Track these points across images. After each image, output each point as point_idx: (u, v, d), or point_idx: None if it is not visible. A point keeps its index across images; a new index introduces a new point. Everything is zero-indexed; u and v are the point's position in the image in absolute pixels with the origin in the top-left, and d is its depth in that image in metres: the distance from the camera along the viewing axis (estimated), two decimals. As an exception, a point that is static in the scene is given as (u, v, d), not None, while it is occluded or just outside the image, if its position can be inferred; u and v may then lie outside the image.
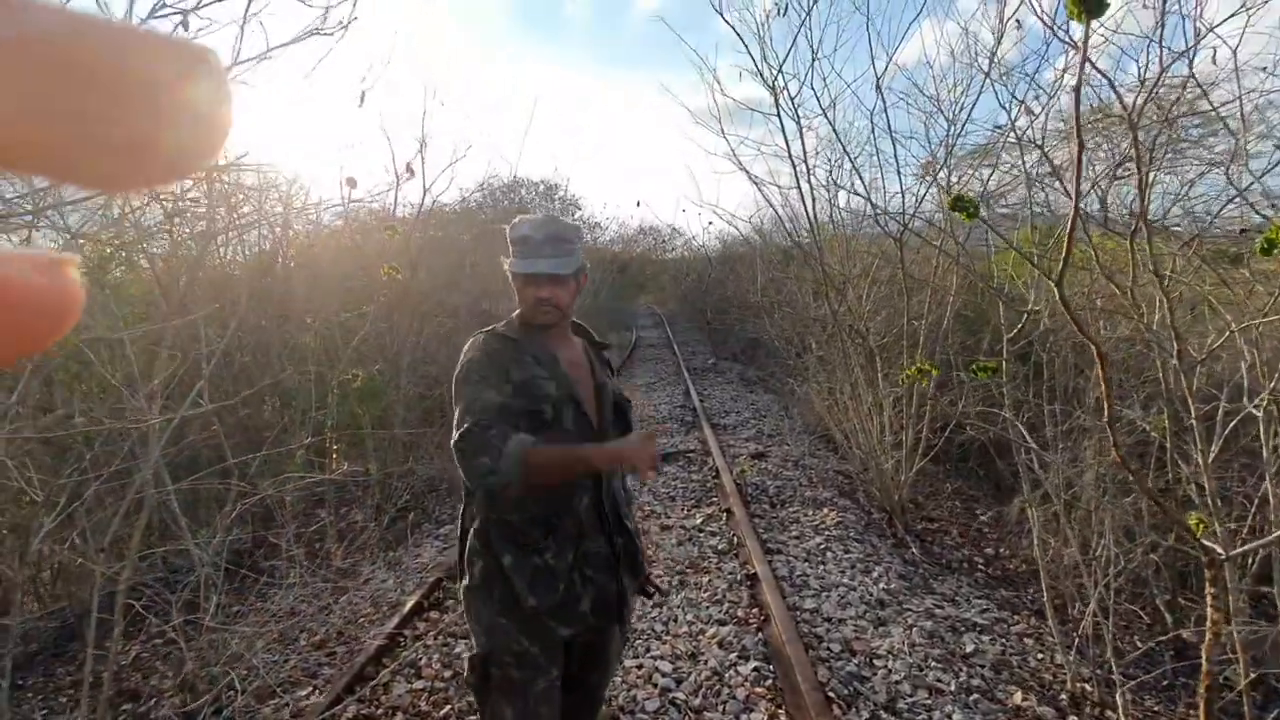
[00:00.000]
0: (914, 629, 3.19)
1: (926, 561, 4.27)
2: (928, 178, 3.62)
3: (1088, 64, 1.63)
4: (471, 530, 1.72)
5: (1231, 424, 3.01)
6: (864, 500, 5.27)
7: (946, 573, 4.18)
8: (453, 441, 1.60)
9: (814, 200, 4.25)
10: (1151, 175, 3.37)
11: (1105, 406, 1.96)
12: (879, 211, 3.60)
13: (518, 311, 1.81)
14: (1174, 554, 3.82)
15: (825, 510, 4.77)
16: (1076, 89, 1.63)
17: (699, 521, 4.61)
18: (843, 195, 4.92)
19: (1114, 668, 2.74)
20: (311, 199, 6.06)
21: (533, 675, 1.65)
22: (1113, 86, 2.03)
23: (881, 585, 3.62)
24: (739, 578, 3.68)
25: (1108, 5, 1.44)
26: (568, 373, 1.75)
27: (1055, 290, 1.82)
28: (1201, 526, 1.67)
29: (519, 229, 1.73)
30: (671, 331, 19.34)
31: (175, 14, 1.65)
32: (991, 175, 4.61)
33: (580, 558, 1.71)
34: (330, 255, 5.81)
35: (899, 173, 3.88)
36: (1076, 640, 3.00)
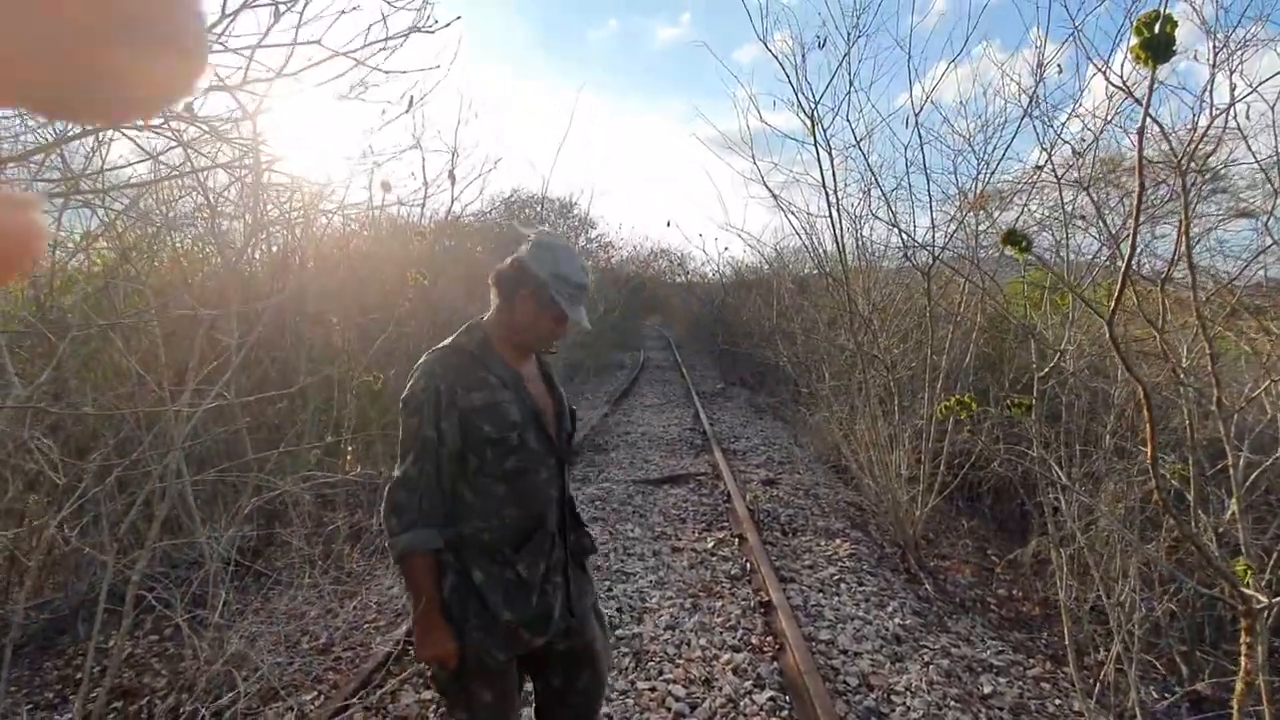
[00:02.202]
0: (931, 666, 3.13)
1: (940, 599, 4.21)
2: (969, 211, 3.63)
3: (1146, 113, 1.64)
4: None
5: (1253, 476, 2.99)
6: (876, 533, 5.22)
7: (960, 611, 4.12)
8: (390, 479, 1.63)
9: (842, 230, 4.27)
10: (1181, 223, 3.37)
11: (1150, 448, 1.94)
12: (910, 244, 3.61)
13: (488, 318, 1.77)
14: (1190, 605, 3.77)
15: (838, 541, 4.72)
16: (1140, 131, 1.64)
17: (710, 545, 4.57)
18: (868, 227, 4.94)
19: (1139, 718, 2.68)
20: (339, 201, 6.10)
21: (501, 684, 1.68)
22: (1165, 134, 2.04)
23: (896, 620, 3.57)
24: (753, 604, 3.63)
25: (1175, 51, 1.45)
26: (530, 391, 1.73)
27: (1107, 329, 1.81)
28: (1249, 573, 1.64)
29: (580, 273, 1.71)
30: (679, 355, 19.35)
31: (267, 5, 1.67)
32: (1019, 218, 4.64)
33: (550, 567, 1.73)
34: (354, 259, 5.84)
35: (930, 208, 3.89)
36: (1097, 688, 2.94)
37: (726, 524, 5.02)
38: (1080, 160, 2.50)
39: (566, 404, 1.87)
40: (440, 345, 1.72)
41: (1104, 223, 2.26)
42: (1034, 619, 4.34)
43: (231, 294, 4.39)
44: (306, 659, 3.27)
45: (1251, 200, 4.47)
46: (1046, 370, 2.89)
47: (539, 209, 19.61)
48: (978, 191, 3.88)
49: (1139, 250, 4.34)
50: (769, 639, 3.26)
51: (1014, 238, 1.86)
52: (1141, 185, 1.76)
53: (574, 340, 12.69)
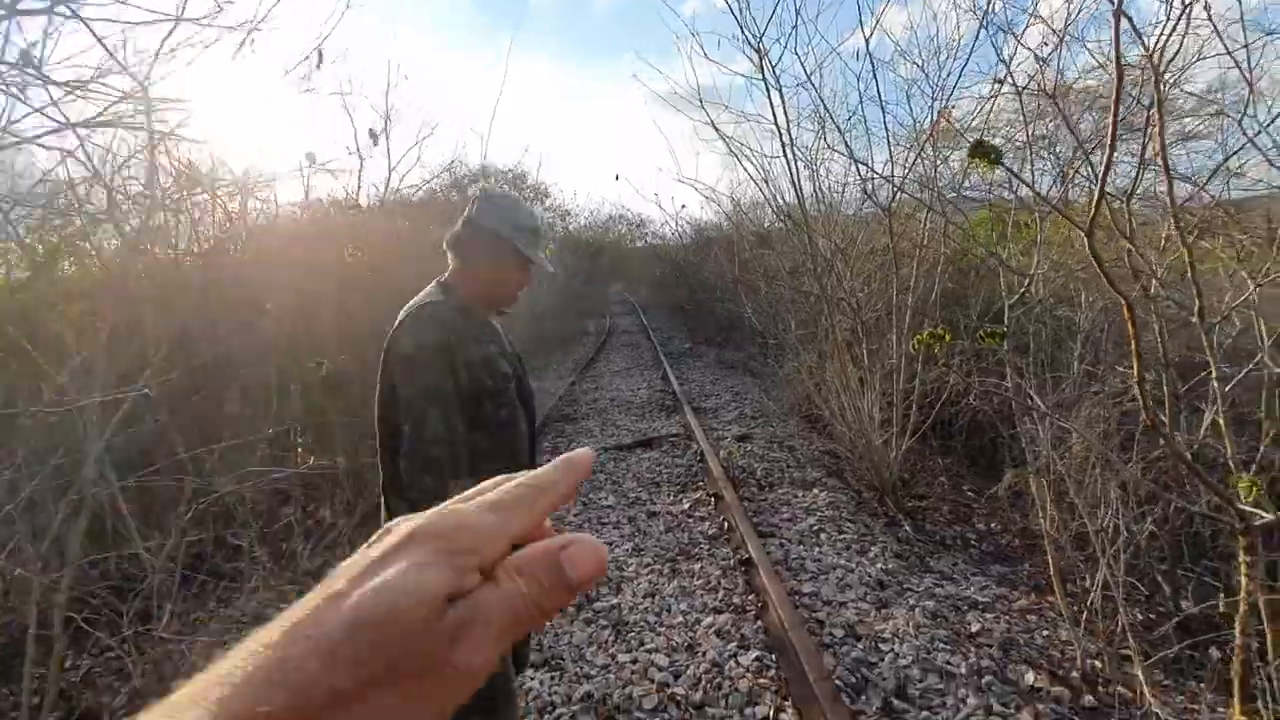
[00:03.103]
0: (917, 609, 3.07)
1: (920, 539, 4.17)
2: (929, 137, 3.45)
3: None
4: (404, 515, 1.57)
5: (1229, 387, 2.94)
6: (853, 479, 5.16)
7: (941, 550, 4.08)
8: (426, 439, 1.54)
9: (798, 171, 4.09)
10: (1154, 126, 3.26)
11: (1135, 364, 1.82)
12: (869, 176, 3.44)
13: (449, 278, 1.76)
14: (1170, 523, 3.77)
15: (815, 491, 4.64)
16: (1117, 13, 1.46)
17: (687, 507, 4.45)
18: (825, 168, 4.76)
19: (1131, 644, 2.65)
20: (269, 184, 5.73)
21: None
22: (1137, 33, 1.88)
23: (879, 565, 3.50)
24: (732, 563, 3.53)
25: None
26: (507, 347, 1.78)
27: (1087, 241, 1.67)
28: (1255, 490, 1.54)
29: (530, 218, 1.77)
30: (646, 318, 19.16)
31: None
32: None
33: None
34: (286, 242, 5.49)
35: (888, 142, 3.73)
36: (1084, 616, 2.91)
37: (702, 484, 4.91)
38: (1043, 68, 2.34)
39: (523, 363, 1.88)
40: (429, 301, 1.67)
41: (1072, 129, 2.10)
42: (1015, 551, 4.33)
43: (154, 286, 4.07)
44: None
45: (1195, 126, 4.40)
46: (1016, 297, 2.77)
47: (490, 180, 19.04)
48: (934, 118, 3.72)
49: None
50: (751, 597, 3.16)
51: (983, 149, 1.69)
52: (1120, 73, 1.60)
53: (535, 311, 12.42)
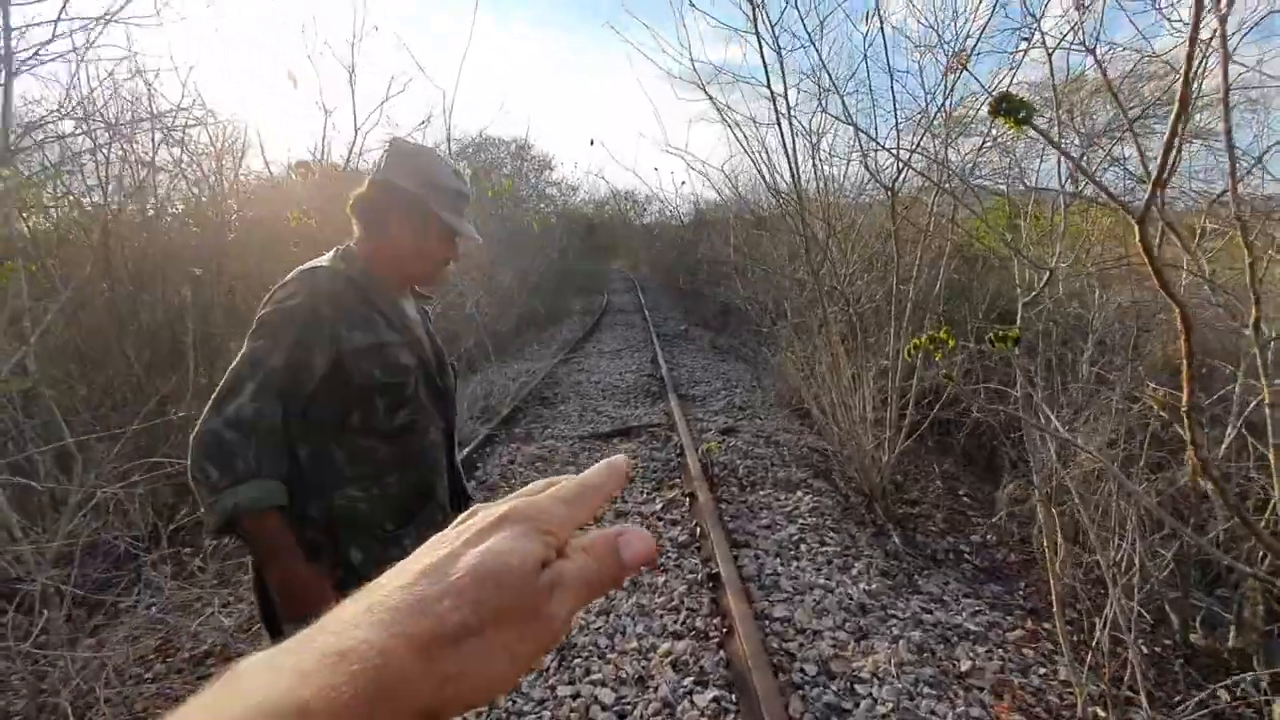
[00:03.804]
0: (901, 641, 2.73)
1: (910, 553, 3.83)
2: (947, 73, 3.03)
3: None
4: (305, 519, 1.31)
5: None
6: (840, 482, 4.81)
7: (932, 566, 3.74)
8: (226, 417, 1.21)
9: (794, 144, 3.67)
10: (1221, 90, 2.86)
11: (1186, 388, 1.45)
12: (873, 148, 3.04)
13: (357, 243, 1.43)
14: (1186, 550, 3.42)
15: (799, 494, 4.30)
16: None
17: (659, 507, 4.11)
18: (827, 140, 4.33)
19: (1140, 688, 2.31)
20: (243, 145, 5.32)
21: None
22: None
23: (862, 586, 3.16)
24: (700, 578, 3.19)
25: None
26: (419, 336, 1.46)
27: (1139, 233, 1.30)
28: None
29: (453, 176, 1.44)
30: (643, 297, 18.74)
31: None
32: (986, 139, 4.08)
33: None
34: (242, 205, 5.09)
35: (895, 113, 3.30)
36: (1090, 656, 2.56)
37: (678, 481, 4.57)
38: (1083, 17, 1.93)
39: (446, 357, 1.56)
40: (314, 264, 1.34)
41: (1116, 96, 1.71)
42: (1010, 567, 3.99)
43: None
44: (183, 673, 2.76)
45: (1208, 122, 3.99)
46: (1034, 294, 2.39)
47: (494, 151, 18.54)
48: (946, 89, 3.29)
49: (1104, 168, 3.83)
50: (716, 621, 2.82)
51: (1009, 104, 1.30)
52: (1198, 13, 1.21)
53: (528, 286, 12.02)
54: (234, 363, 1.26)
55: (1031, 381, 2.94)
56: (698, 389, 7.49)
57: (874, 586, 3.18)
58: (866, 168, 3.43)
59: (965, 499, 5.04)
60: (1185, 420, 1.49)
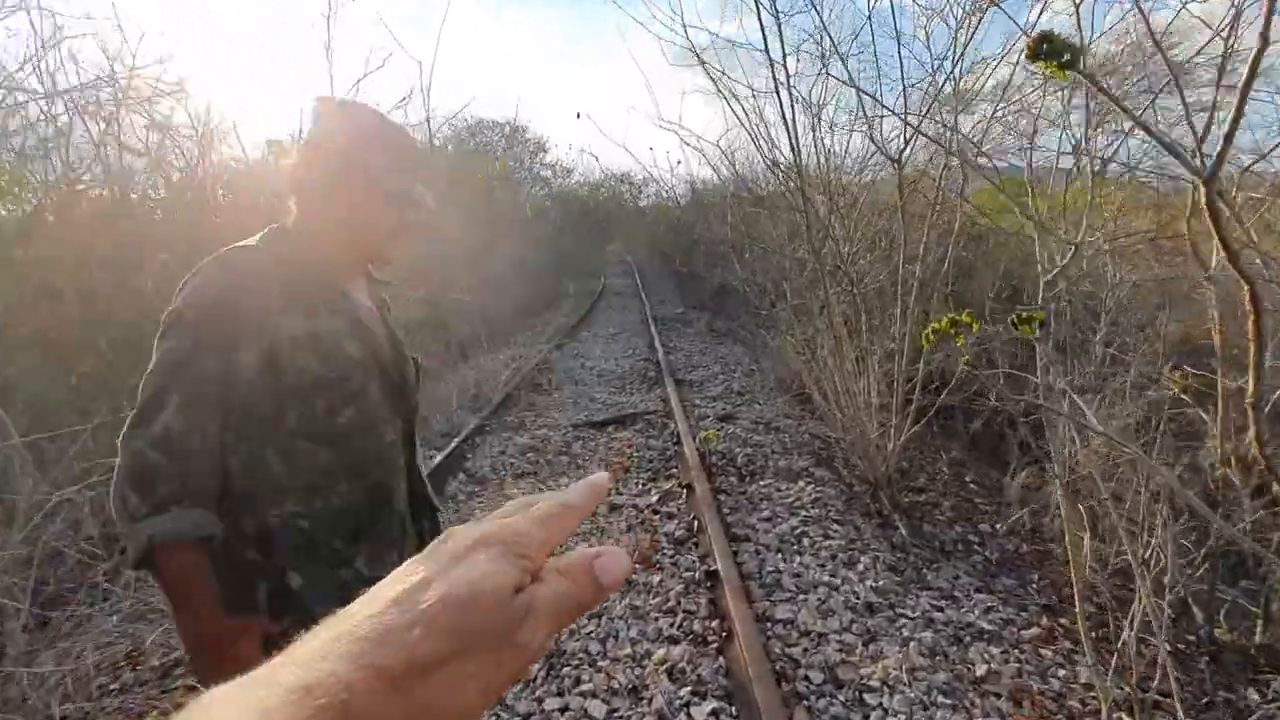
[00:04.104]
0: (912, 644, 2.56)
1: (917, 544, 3.66)
2: (979, 12, 2.80)
3: None
4: (240, 537, 1.15)
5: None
6: (843, 469, 4.64)
7: (941, 558, 3.58)
8: (149, 437, 1.04)
9: (793, 113, 3.45)
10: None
11: (1252, 376, 1.27)
12: (878, 114, 2.82)
13: (294, 221, 1.22)
14: (1214, 543, 3.26)
15: (801, 484, 4.12)
16: None
17: (655, 500, 3.94)
18: (827, 113, 4.10)
19: (1175, 691, 2.15)
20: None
21: None
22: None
23: (869, 583, 2.99)
24: (698, 576, 3.02)
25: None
26: (368, 325, 1.24)
27: (1203, 190, 1.11)
28: None
29: (400, 133, 1.25)
30: (640, 279, 18.50)
31: None
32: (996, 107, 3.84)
33: (403, 559, 1.10)
34: (216, 188, 4.87)
35: (903, 77, 3.08)
36: (1115, 659, 2.40)
37: (675, 470, 4.40)
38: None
39: (406, 349, 1.37)
40: (236, 245, 1.15)
41: (1164, 53, 1.50)
42: (1022, 558, 3.83)
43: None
44: (151, 684, 2.59)
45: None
46: (1058, 269, 2.19)
47: (487, 134, 18.19)
48: (959, 51, 3.07)
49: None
50: (715, 624, 2.65)
51: (1052, 46, 1.10)
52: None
53: (523, 271, 11.79)
54: (149, 369, 1.07)
55: (1050, 366, 2.74)
56: (695, 373, 7.30)
57: (881, 583, 3.01)
58: (872, 139, 3.22)
59: (973, 486, 4.88)
60: (1250, 411, 1.30)
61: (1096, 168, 2.07)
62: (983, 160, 3.95)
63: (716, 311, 11.48)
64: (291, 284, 1.13)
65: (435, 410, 5.65)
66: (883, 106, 2.88)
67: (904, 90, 2.96)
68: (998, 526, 4.16)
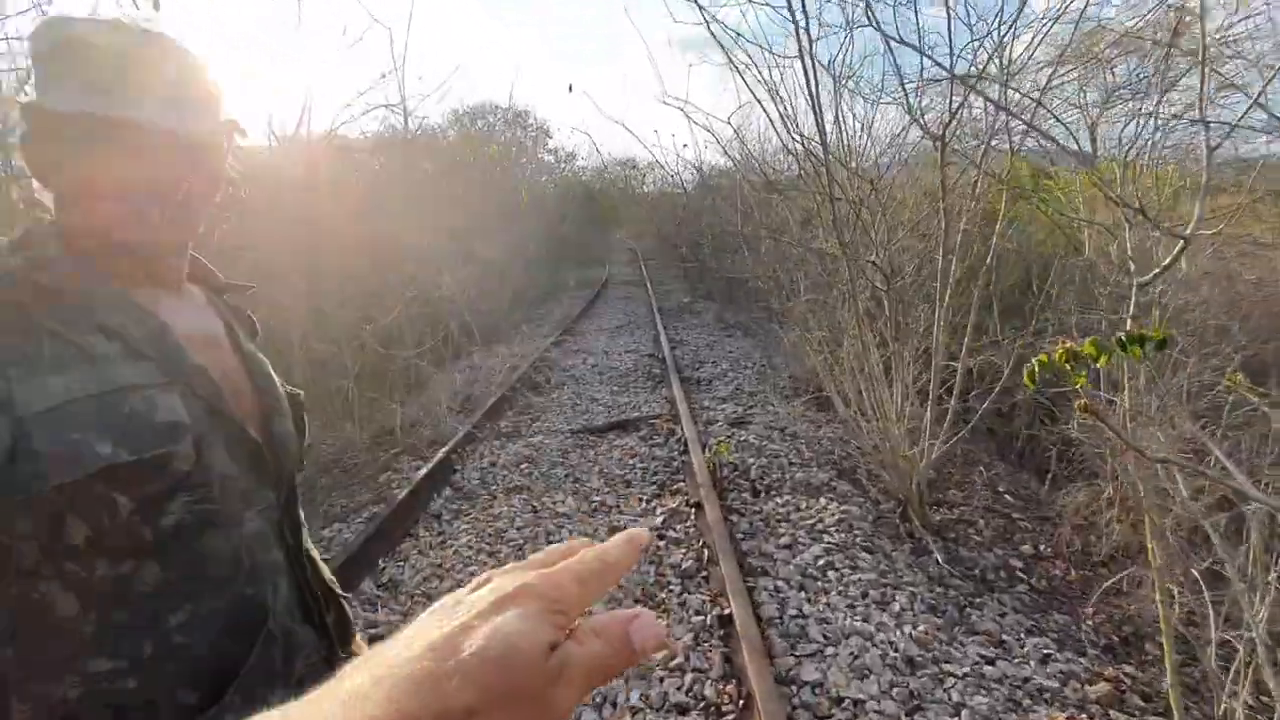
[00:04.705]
0: (964, 711, 2.15)
1: (955, 574, 3.25)
2: None
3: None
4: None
5: None
6: (867, 481, 4.22)
7: (984, 590, 3.16)
8: None
9: (817, 83, 2.99)
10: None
11: None
12: (925, 72, 2.36)
13: (49, 225, 0.78)
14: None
15: (823, 500, 3.71)
16: None
17: (660, 521, 3.53)
18: (853, 85, 3.64)
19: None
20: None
21: None
22: None
23: (908, 629, 2.58)
24: (709, 621, 2.61)
25: None
26: (200, 359, 0.82)
27: None
28: None
29: (59, 28, 0.75)
30: (646, 269, 18.03)
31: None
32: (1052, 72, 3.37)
33: (297, 683, 0.87)
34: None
35: (950, 38, 2.61)
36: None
37: (682, 484, 3.99)
38: None
39: (281, 387, 0.96)
40: None
41: None
42: (1071, 587, 3.42)
43: None
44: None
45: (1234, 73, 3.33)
46: (1164, 267, 1.74)
47: (490, 119, 17.70)
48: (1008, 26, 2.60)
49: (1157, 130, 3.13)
50: (730, 687, 2.24)
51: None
52: None
53: (524, 259, 11.36)
54: None
55: (1115, 387, 2.32)
56: (703, 370, 6.87)
57: (921, 629, 2.59)
58: (909, 111, 2.76)
59: (1008, 497, 4.44)
60: None
61: (1215, 144, 1.62)
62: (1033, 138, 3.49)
63: (725, 302, 11.03)
64: (47, 317, 0.71)
65: (424, 415, 5.25)
66: (934, 63, 2.42)
67: (951, 52, 2.51)
68: (1041, 548, 3.74)
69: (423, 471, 4.10)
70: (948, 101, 2.66)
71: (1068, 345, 1.11)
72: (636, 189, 24.18)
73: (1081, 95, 3.93)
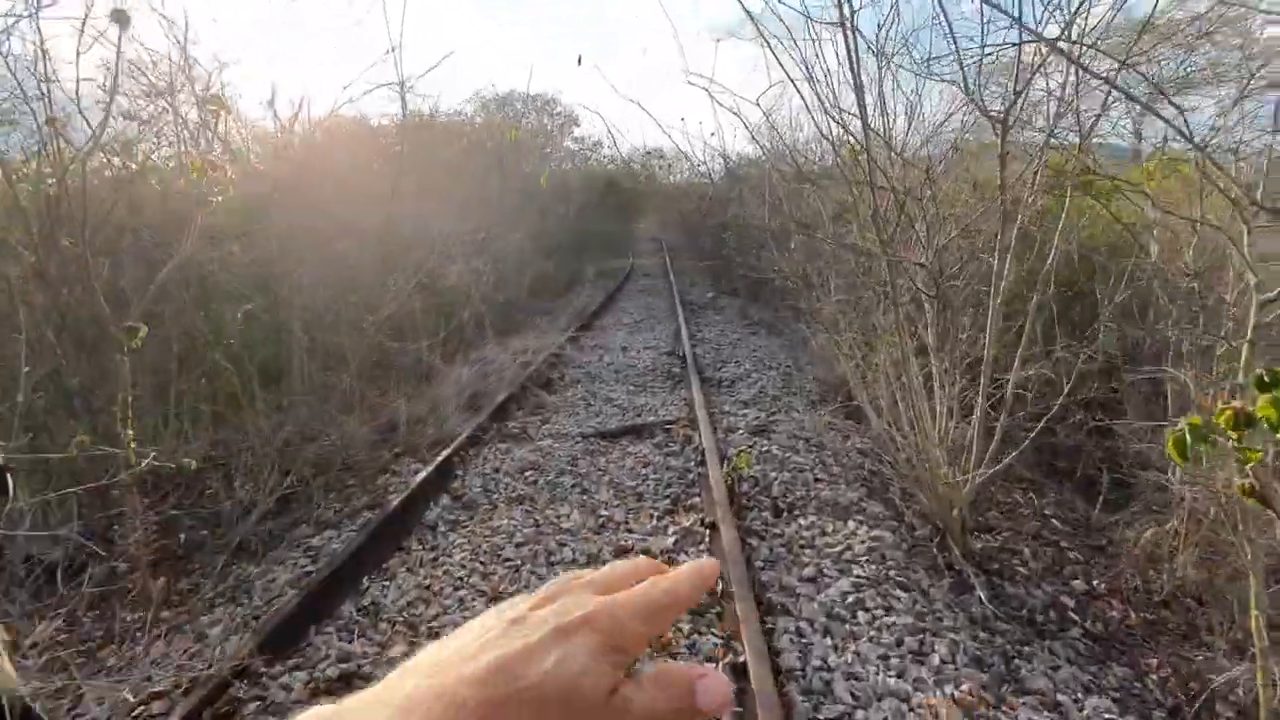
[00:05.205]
0: (1019, 802, 1.82)
1: (1001, 615, 2.89)
2: None
3: None
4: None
5: None
6: (900, 501, 3.86)
7: (1033, 636, 2.81)
8: None
9: (857, 60, 2.63)
10: None
11: None
12: (987, 30, 1.99)
13: None
14: None
15: (851, 524, 3.37)
16: None
17: (671, 543, 3.22)
18: (897, 63, 3.25)
19: None
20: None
21: None
22: None
23: (950, 688, 2.23)
24: (721, 669, 2.29)
25: None
26: None
27: None
28: None
29: None
30: (671, 262, 17.65)
31: None
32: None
33: None
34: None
35: (1019, 5, 2.23)
36: None
37: (698, 499, 3.67)
38: None
39: None
40: None
41: None
42: (1132, 631, 3.04)
43: None
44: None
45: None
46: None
47: (516, 106, 17.41)
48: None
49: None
50: (742, 760, 1.92)
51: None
52: None
53: (543, 247, 11.07)
54: None
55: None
56: (725, 370, 6.53)
57: (965, 688, 2.25)
58: (965, 90, 2.39)
59: (1055, 522, 4.05)
60: None
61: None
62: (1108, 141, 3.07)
63: (751, 297, 10.65)
64: None
65: (429, 411, 5.00)
66: (1007, 15, 2.04)
67: (1019, 19, 2.12)
68: (1095, 583, 3.35)
69: (420, 477, 3.84)
70: (1012, 78, 2.28)
71: (1233, 406, 0.77)
72: (662, 180, 23.78)
73: (1160, 72, 3.51)
